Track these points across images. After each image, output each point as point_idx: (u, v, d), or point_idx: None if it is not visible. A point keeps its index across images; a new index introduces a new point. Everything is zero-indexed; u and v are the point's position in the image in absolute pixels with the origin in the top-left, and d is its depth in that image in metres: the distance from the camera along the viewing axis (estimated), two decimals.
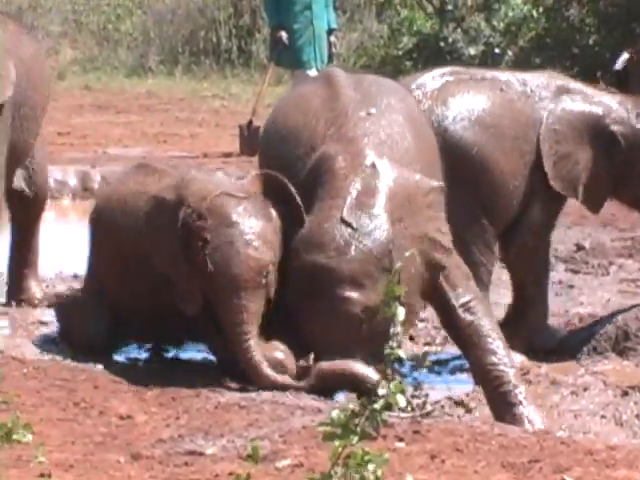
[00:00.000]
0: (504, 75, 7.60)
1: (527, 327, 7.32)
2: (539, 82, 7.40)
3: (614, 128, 7.27)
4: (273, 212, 6.04)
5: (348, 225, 5.85)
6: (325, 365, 5.81)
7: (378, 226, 5.87)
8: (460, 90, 7.21)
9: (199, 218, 5.94)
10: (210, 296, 5.97)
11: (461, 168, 6.89)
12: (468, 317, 6.16)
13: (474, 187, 7.03)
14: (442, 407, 6.17)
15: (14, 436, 4.11)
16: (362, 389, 5.57)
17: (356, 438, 3.13)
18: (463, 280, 6.23)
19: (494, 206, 7.14)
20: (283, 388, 5.79)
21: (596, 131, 7.28)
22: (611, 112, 7.33)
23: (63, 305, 6.83)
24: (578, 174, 7.23)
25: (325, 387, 5.85)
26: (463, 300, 6.15)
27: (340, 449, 3.12)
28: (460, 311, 6.15)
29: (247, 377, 5.95)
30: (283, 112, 6.75)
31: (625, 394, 6.76)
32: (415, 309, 5.94)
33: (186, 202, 5.98)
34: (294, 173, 6.10)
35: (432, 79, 7.35)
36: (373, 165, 5.96)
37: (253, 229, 5.92)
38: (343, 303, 5.82)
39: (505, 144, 7.12)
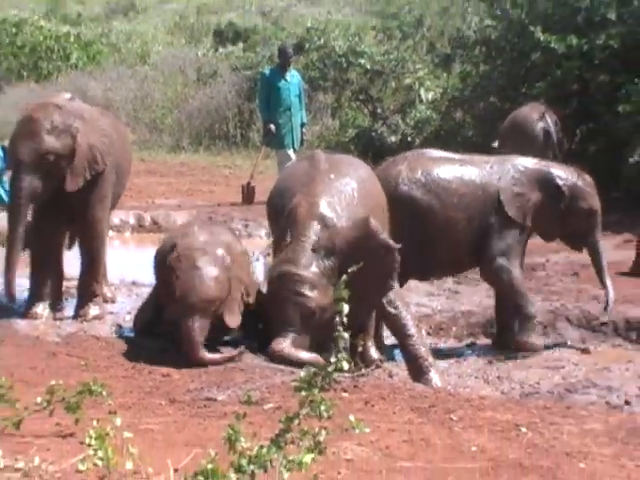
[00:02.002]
0: (474, 157, 7.34)
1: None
2: (499, 160, 7.18)
3: (560, 182, 7.08)
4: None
5: (314, 250, 5.88)
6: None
7: (328, 257, 5.85)
8: (427, 163, 7.00)
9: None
10: None
11: (415, 215, 6.71)
12: (393, 310, 6.11)
13: (423, 228, 6.76)
14: (373, 371, 6.13)
15: (92, 388, 4.12)
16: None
17: (316, 390, 3.15)
18: None
19: (436, 240, 6.84)
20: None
21: (546, 182, 7.07)
22: (559, 171, 7.15)
23: None
24: (528, 208, 6.98)
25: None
26: (389, 299, 6.09)
27: (305, 397, 3.14)
28: (387, 306, 6.10)
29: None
30: (282, 179, 6.77)
31: (490, 362, 6.80)
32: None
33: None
34: (283, 216, 6.07)
35: (413, 155, 7.24)
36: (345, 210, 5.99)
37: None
38: (302, 298, 5.79)
39: (452, 200, 6.85)
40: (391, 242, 5.92)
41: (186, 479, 3.02)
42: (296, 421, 3.10)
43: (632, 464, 4.10)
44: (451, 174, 6.96)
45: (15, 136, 6.64)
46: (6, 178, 9.38)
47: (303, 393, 3.13)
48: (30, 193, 6.52)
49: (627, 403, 5.83)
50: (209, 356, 5.71)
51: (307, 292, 5.80)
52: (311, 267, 5.83)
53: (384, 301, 6.07)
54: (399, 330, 6.17)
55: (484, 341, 7.37)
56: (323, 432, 3.09)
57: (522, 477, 3.90)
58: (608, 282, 7.20)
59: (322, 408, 3.10)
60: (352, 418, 3.22)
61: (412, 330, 6.14)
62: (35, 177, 6.50)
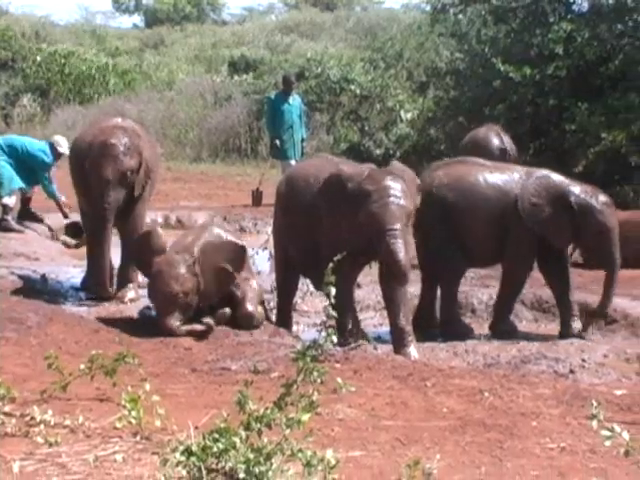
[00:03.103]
0: (506, 165, 7.06)
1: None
2: (529, 171, 6.82)
3: (572, 198, 6.62)
4: None
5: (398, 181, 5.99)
6: None
7: (411, 186, 6.09)
8: (460, 168, 6.79)
9: None
10: None
11: (447, 214, 6.53)
12: (400, 287, 5.99)
13: (453, 227, 6.58)
14: (361, 345, 6.09)
15: (125, 359, 4.11)
16: None
17: (309, 359, 3.14)
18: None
19: (465, 239, 6.63)
20: None
21: (560, 196, 6.63)
22: (576, 188, 6.69)
23: None
24: (542, 217, 6.57)
25: None
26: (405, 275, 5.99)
27: (302, 366, 3.13)
28: (398, 277, 5.96)
29: None
30: (302, 170, 6.68)
31: (459, 338, 6.74)
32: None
33: None
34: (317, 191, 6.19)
35: (452, 161, 7.06)
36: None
37: None
38: (400, 201, 5.89)
39: (476, 200, 6.61)
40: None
41: (204, 435, 3.01)
42: (295, 386, 3.09)
43: (575, 422, 4.11)
44: (479, 178, 6.69)
45: (95, 158, 6.59)
46: (52, 174, 9.23)
47: (300, 363, 3.12)
48: (116, 204, 6.60)
49: (571, 372, 5.82)
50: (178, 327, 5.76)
51: (404, 196, 5.91)
52: (399, 182, 5.96)
53: (399, 267, 5.89)
54: (394, 303, 6.02)
55: None
56: (316, 393, 3.09)
57: (485, 433, 3.91)
58: (610, 298, 6.67)
59: (315, 375, 3.09)
60: (339, 380, 3.25)
61: (404, 307, 6.02)
62: (118, 191, 6.59)
